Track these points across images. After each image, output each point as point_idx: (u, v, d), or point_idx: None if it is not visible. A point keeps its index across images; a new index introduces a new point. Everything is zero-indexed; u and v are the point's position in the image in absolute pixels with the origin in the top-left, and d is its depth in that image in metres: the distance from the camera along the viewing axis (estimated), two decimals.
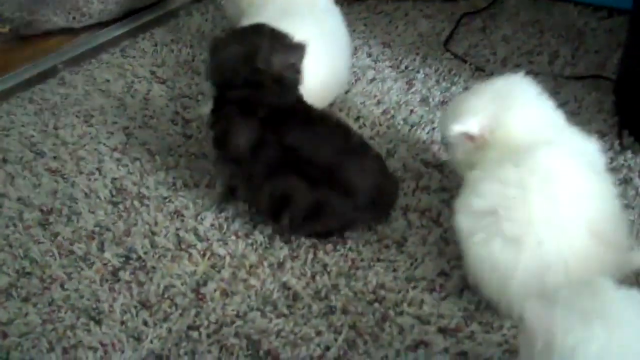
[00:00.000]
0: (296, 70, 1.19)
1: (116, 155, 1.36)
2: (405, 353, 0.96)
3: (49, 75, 1.63)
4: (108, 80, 1.60)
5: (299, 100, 1.18)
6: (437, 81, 1.52)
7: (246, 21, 1.29)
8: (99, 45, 1.73)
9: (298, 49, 1.19)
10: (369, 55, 1.63)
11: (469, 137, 1.08)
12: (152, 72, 1.61)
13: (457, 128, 1.08)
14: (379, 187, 1.12)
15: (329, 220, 1.11)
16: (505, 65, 1.55)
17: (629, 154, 1.27)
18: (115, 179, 1.30)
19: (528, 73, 1.46)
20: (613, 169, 1.24)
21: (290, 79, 1.18)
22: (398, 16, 1.78)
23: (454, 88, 1.49)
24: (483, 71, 1.54)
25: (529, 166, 0.97)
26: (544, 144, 1.00)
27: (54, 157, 1.37)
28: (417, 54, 1.62)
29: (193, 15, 1.84)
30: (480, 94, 1.11)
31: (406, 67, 1.58)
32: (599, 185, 1.00)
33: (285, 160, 1.10)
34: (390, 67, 1.58)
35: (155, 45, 1.73)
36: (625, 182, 1.22)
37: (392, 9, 1.81)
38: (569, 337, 0.71)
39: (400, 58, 1.61)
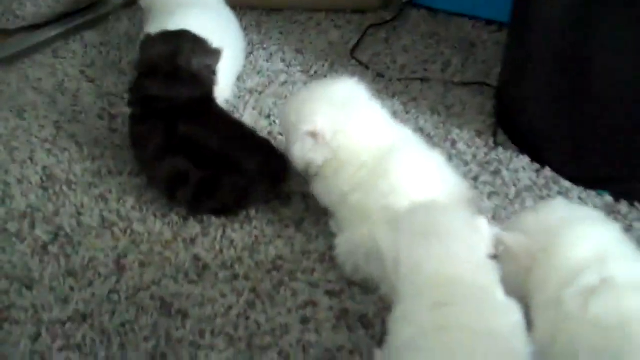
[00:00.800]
0: (212, 71, 1.36)
1: (47, 146, 1.49)
2: (296, 311, 1.13)
3: None
4: (40, 79, 1.73)
5: (208, 96, 1.35)
6: None
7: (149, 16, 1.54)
8: (32, 46, 1.84)
9: (215, 53, 1.36)
10: (283, 60, 1.80)
11: (313, 136, 1.18)
12: (82, 72, 1.75)
13: (305, 127, 1.17)
14: (267, 163, 1.29)
15: (223, 196, 1.27)
16: (403, 72, 1.74)
17: (500, 150, 1.47)
18: (45, 167, 1.43)
19: (422, 79, 1.69)
20: (486, 163, 1.44)
21: (205, 78, 1.35)
22: (311, 25, 1.95)
23: None
24: (383, 77, 1.72)
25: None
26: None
27: None
28: (326, 60, 1.79)
29: (122, 20, 1.97)
30: (320, 97, 1.21)
31: (315, 72, 1.75)
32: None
33: (177, 145, 1.28)
34: (301, 71, 1.75)
35: (86, 47, 1.86)
36: (495, 173, 1.41)
37: (306, 19, 1.98)
38: (412, 254, 0.90)
39: (310, 64, 1.78)
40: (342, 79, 1.27)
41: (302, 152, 1.20)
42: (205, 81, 1.35)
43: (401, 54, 1.82)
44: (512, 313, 0.87)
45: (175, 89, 1.32)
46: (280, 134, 1.48)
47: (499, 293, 0.89)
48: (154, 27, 1.44)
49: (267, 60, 1.79)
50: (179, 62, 1.32)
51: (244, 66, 1.74)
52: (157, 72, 1.32)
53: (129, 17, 1.98)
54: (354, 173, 1.16)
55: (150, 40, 1.36)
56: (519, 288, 0.94)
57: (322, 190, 1.22)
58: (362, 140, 1.18)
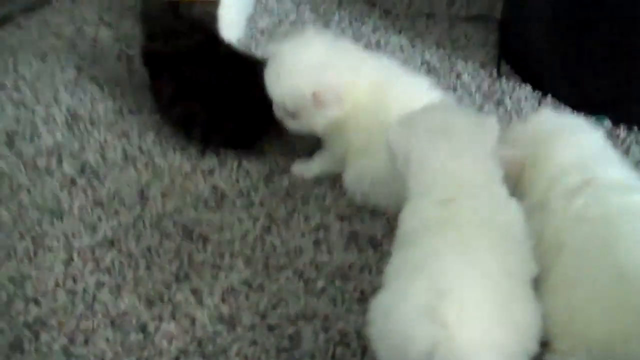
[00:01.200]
0: (212, 17, 1.43)
1: (69, 87, 1.56)
2: (309, 234, 1.21)
3: (6, 20, 1.81)
4: (59, 25, 1.79)
5: (214, 39, 1.42)
6: (350, 22, 1.74)
7: None
8: None
9: (213, 1, 1.42)
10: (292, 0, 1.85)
11: (320, 102, 1.16)
12: (100, 17, 1.80)
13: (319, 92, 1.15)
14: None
15: (231, 132, 1.34)
16: (409, 8, 1.78)
17: (503, 80, 1.52)
18: (69, 107, 1.51)
19: (428, 15, 1.73)
20: (490, 93, 1.50)
21: (207, 23, 1.41)
22: None
23: (363, 28, 1.72)
24: (390, 13, 1.77)
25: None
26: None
27: (16, 89, 1.56)
28: None
29: None
30: (315, 50, 1.19)
31: (324, 11, 1.80)
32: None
33: (185, 91, 1.35)
34: (310, 10, 1.80)
35: None
36: (498, 103, 1.47)
37: None
38: (421, 150, 0.96)
39: (319, 2, 1.83)
40: (315, 30, 1.27)
41: (319, 119, 1.20)
42: (207, 26, 1.41)
43: None
44: (513, 207, 0.95)
45: (177, 41, 1.39)
46: None
47: (502, 189, 0.96)
48: None
49: (278, 0, 1.84)
50: (180, 11, 1.39)
51: (255, 7, 1.79)
52: (159, 30, 1.39)
53: None
54: (357, 117, 1.20)
55: (148, 2, 1.42)
56: (513, 194, 1.01)
57: (333, 143, 1.27)
58: (359, 85, 1.19)
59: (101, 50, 1.68)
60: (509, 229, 0.92)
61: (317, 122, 1.20)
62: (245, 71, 1.35)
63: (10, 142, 1.42)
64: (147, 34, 1.43)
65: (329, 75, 1.16)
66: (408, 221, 0.94)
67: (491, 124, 1.02)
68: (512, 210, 0.95)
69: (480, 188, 0.95)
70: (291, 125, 1.23)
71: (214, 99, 1.33)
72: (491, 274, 0.85)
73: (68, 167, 1.36)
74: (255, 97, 1.27)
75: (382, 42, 1.67)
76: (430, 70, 1.56)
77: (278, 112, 1.23)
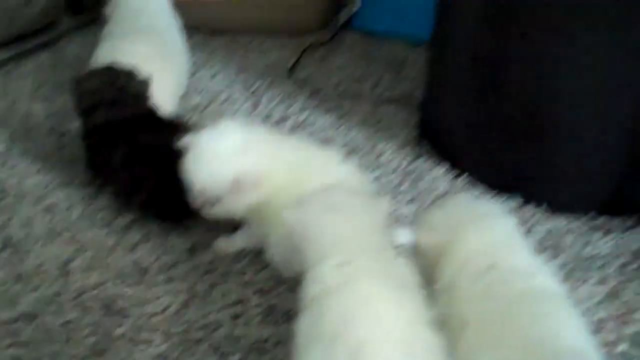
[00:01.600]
0: (148, 92, 1.48)
1: None
2: (227, 309, 1.24)
3: None
4: None
5: (153, 112, 1.47)
6: (279, 102, 1.82)
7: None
8: None
9: (144, 83, 1.50)
10: (225, 79, 1.92)
11: (240, 187, 1.19)
12: (33, 92, 1.85)
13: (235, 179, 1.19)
14: None
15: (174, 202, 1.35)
16: (336, 89, 1.87)
17: (422, 160, 1.60)
18: None
19: (353, 96, 1.82)
20: (409, 171, 1.57)
21: (144, 97, 1.47)
22: (253, 47, 2.08)
23: (291, 108, 1.79)
24: (318, 93, 1.85)
25: None
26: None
27: None
28: (266, 79, 1.92)
29: (73, 42, 2.07)
30: (232, 138, 1.23)
31: (255, 90, 1.87)
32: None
33: (138, 155, 1.38)
34: (242, 89, 1.87)
35: (37, 68, 1.96)
36: (415, 181, 1.54)
37: (247, 40, 2.11)
38: (317, 225, 1.03)
39: (251, 82, 1.90)
40: (223, 125, 1.28)
41: (239, 203, 1.23)
42: (145, 100, 1.47)
43: (335, 73, 1.95)
44: (403, 263, 1.02)
45: (122, 110, 1.43)
46: None
47: (392, 252, 1.03)
48: (99, 54, 1.58)
49: (212, 78, 1.90)
50: (116, 87, 1.45)
51: (187, 86, 1.85)
52: (99, 103, 1.43)
53: (80, 39, 2.09)
54: (276, 197, 1.23)
55: (82, 79, 1.48)
56: (430, 280, 1.07)
57: (254, 222, 1.31)
58: (276, 167, 1.24)
59: (32, 125, 1.71)
60: (405, 280, 0.99)
61: (237, 206, 1.24)
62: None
63: None
64: (85, 107, 1.46)
65: (247, 161, 1.21)
66: (309, 288, 0.99)
67: (383, 203, 1.11)
68: (403, 265, 1.02)
69: (372, 251, 1.01)
70: (211, 211, 1.26)
71: (164, 164, 1.35)
72: (398, 323, 0.91)
73: None
74: None
75: (309, 121, 1.74)
76: (353, 149, 1.63)
77: (197, 200, 1.26)
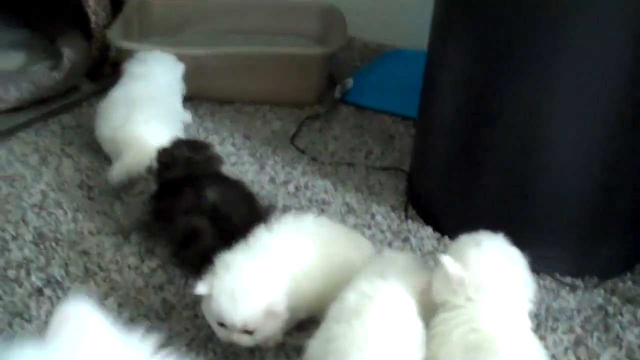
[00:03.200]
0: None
1: (36, 210, 1.79)
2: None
3: None
4: (25, 154, 2.02)
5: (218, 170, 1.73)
6: (282, 166, 2.04)
7: None
8: (16, 126, 2.14)
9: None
10: (233, 145, 2.13)
11: (274, 315, 1.30)
12: (62, 149, 2.05)
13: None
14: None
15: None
16: (333, 157, 2.10)
17: (410, 222, 1.82)
18: (36, 227, 1.72)
19: (349, 164, 2.04)
20: (398, 232, 1.79)
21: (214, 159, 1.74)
22: (257, 116, 2.31)
23: (294, 172, 2.01)
24: (316, 160, 2.08)
25: None
26: None
27: None
28: (270, 145, 2.14)
29: (93, 106, 2.28)
30: (255, 266, 1.34)
31: (260, 155, 2.09)
32: None
33: (199, 206, 1.58)
34: (249, 154, 2.09)
35: (63, 128, 2.17)
36: (404, 240, 1.76)
37: (253, 110, 2.33)
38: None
39: (256, 148, 2.12)
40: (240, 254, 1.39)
41: (272, 329, 1.34)
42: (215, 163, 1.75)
43: (332, 142, 2.18)
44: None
45: (194, 167, 1.67)
46: None
47: None
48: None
49: (220, 145, 2.12)
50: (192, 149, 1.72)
51: None
52: (176, 162, 1.67)
53: (99, 102, 2.30)
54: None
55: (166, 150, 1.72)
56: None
57: None
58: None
59: (64, 178, 1.92)
60: None
61: (270, 332, 1.34)
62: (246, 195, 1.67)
63: None
64: (163, 162, 1.69)
65: (275, 288, 1.33)
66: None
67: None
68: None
69: None
70: (244, 342, 1.33)
71: (221, 217, 1.54)
72: None
73: (35, 279, 1.56)
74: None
75: (309, 184, 1.96)
76: (349, 210, 1.86)
77: (230, 335, 1.33)
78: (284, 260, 1.37)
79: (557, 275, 1.62)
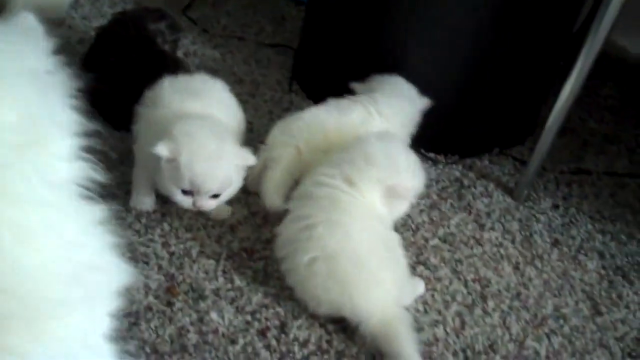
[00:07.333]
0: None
1: None
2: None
3: None
4: None
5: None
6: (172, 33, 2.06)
7: None
8: None
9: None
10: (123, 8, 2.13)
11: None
12: None
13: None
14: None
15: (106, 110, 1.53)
16: (225, 31, 2.14)
17: (293, 95, 1.90)
18: None
19: (239, 38, 2.09)
20: (280, 102, 1.87)
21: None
22: None
23: (184, 40, 2.02)
24: (207, 32, 2.11)
25: None
26: None
27: None
28: None
29: None
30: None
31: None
32: None
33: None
34: None
35: None
36: (286, 110, 1.83)
37: None
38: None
39: None
40: None
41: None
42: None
43: (224, 17, 2.21)
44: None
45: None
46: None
47: None
48: None
49: (110, 8, 2.11)
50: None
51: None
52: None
53: None
54: None
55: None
56: None
57: None
58: None
59: None
60: None
61: (233, 193, 1.39)
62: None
63: None
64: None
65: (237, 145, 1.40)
66: None
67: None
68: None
69: None
70: (208, 207, 1.35)
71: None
72: None
73: None
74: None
75: (198, 52, 2.00)
76: (236, 80, 1.91)
77: (197, 201, 1.33)
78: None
79: (422, 151, 1.75)
